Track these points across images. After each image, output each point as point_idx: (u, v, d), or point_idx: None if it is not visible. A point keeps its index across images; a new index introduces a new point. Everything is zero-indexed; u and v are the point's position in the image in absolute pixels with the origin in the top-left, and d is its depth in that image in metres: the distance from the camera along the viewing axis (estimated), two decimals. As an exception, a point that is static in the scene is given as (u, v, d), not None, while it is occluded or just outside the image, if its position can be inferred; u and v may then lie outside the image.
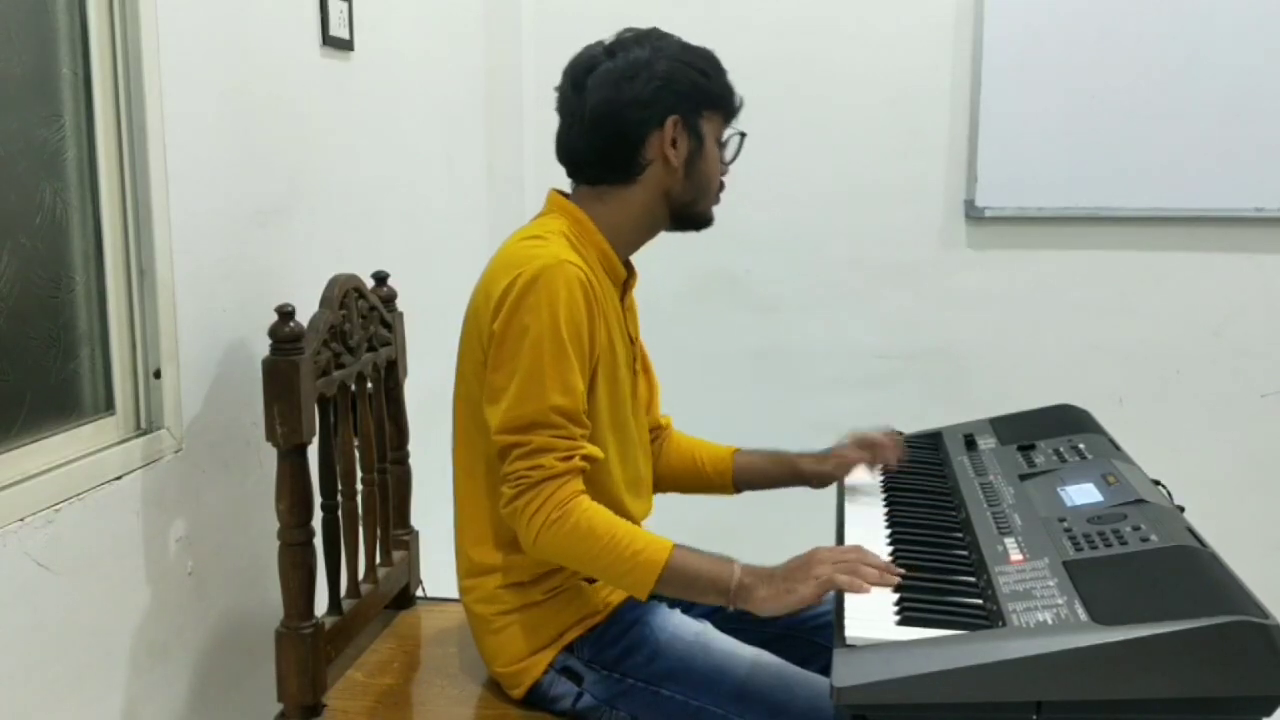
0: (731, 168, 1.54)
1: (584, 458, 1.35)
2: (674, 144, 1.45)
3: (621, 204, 1.47)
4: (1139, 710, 1.04)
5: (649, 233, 1.52)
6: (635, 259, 1.55)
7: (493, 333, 1.36)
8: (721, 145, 1.51)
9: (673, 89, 1.44)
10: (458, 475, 1.49)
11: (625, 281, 1.53)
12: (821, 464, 1.68)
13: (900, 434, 1.86)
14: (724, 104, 1.50)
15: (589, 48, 1.49)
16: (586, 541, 1.31)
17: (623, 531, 1.32)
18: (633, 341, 1.56)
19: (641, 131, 1.44)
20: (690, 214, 1.51)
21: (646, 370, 1.68)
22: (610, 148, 1.45)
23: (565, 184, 1.52)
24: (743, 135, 1.54)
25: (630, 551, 1.30)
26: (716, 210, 1.54)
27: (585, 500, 1.33)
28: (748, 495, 1.71)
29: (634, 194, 1.47)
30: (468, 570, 1.49)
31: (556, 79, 1.51)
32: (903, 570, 1.28)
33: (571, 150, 1.48)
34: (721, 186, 1.54)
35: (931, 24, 2.77)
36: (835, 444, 1.71)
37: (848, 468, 1.68)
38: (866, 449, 1.68)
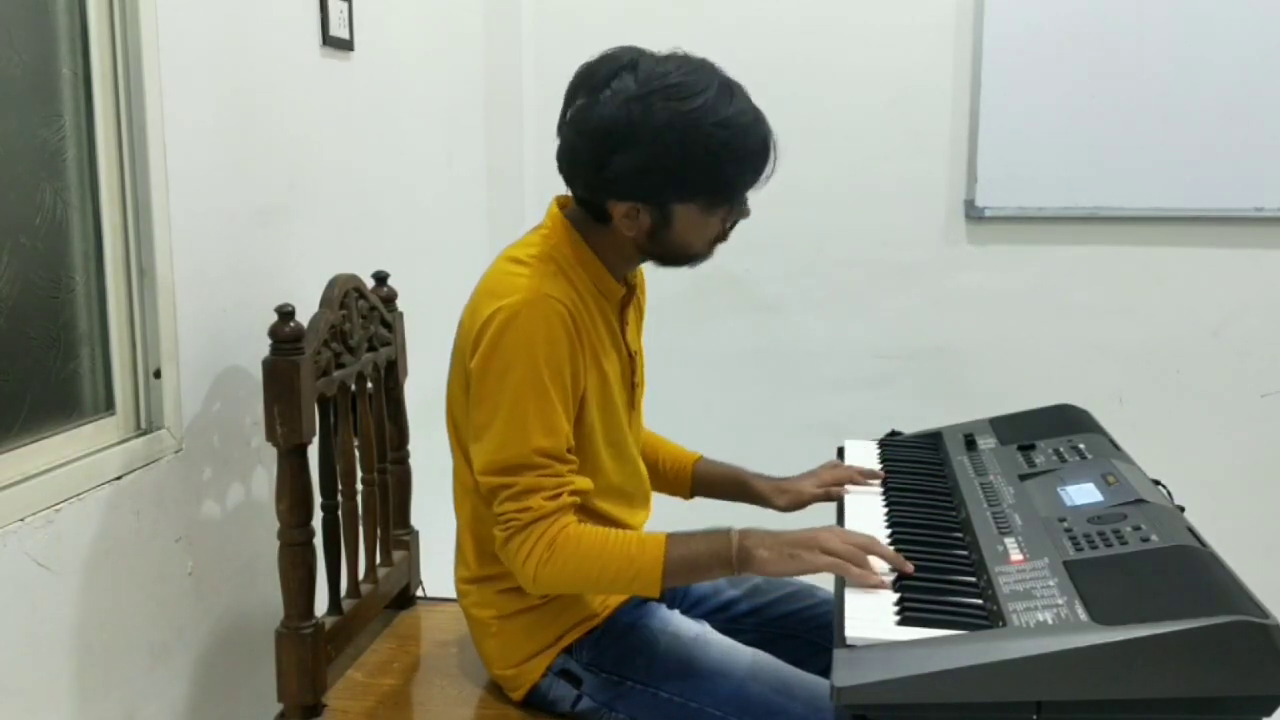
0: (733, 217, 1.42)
1: (573, 492, 1.34)
2: (633, 215, 1.36)
3: (604, 232, 1.41)
4: (1139, 710, 1.04)
5: (636, 262, 1.47)
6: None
7: (470, 371, 1.34)
8: (721, 216, 1.40)
9: (645, 179, 1.32)
10: (455, 486, 1.49)
11: (625, 296, 1.48)
12: (777, 495, 1.65)
13: (898, 432, 1.86)
14: (715, 195, 1.36)
15: (622, 53, 1.35)
16: (583, 567, 1.31)
17: (614, 545, 1.32)
18: (632, 355, 1.51)
19: (602, 195, 1.36)
20: (669, 263, 1.45)
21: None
22: (575, 189, 1.40)
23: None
24: (745, 214, 1.43)
25: (626, 561, 1.31)
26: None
27: (571, 527, 1.32)
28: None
29: (611, 230, 1.41)
30: (466, 576, 1.49)
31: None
32: (911, 566, 1.27)
33: (558, 166, 1.41)
34: (723, 237, 1.43)
35: (931, 24, 2.77)
36: (806, 471, 1.67)
37: (801, 505, 1.64)
38: (827, 484, 1.63)
